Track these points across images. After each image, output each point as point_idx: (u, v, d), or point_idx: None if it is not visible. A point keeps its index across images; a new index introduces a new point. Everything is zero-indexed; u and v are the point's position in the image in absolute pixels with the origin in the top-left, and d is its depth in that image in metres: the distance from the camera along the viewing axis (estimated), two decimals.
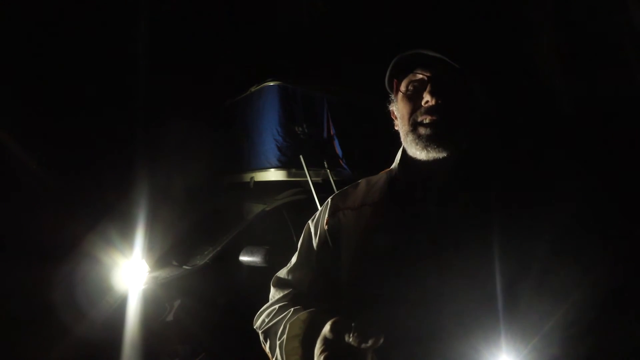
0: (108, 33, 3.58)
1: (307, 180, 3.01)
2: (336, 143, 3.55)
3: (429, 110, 0.71)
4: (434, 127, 0.71)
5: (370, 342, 0.52)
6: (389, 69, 0.79)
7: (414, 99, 0.75)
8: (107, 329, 1.93)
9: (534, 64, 4.64)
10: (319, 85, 3.60)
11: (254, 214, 2.83)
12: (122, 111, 3.60)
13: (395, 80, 0.80)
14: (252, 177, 3.31)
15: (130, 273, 2.21)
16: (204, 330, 2.28)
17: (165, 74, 3.80)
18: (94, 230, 2.44)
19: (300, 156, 3.09)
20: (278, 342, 0.71)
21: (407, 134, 0.75)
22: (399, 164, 0.82)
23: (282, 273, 0.90)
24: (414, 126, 0.73)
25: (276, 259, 2.31)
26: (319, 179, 3.29)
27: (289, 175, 3.17)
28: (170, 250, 2.56)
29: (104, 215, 2.69)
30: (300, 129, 3.32)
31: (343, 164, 3.54)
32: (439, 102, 0.70)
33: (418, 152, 0.74)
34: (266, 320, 0.80)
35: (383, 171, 0.89)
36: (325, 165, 3.32)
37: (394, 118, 0.85)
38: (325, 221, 0.86)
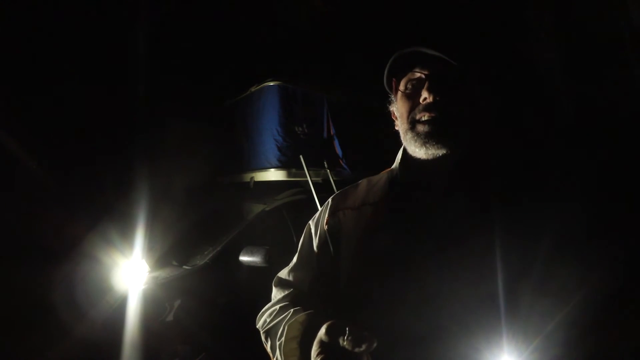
0: (109, 33, 3.58)
1: (307, 180, 3.01)
2: (336, 143, 3.55)
3: (427, 108, 0.71)
4: (432, 124, 0.71)
5: (363, 347, 0.53)
6: (387, 67, 0.79)
7: (412, 97, 0.75)
8: (107, 329, 1.93)
9: (534, 62, 4.64)
10: (319, 85, 3.60)
11: (254, 214, 2.83)
12: (122, 111, 3.60)
13: (394, 79, 0.80)
14: (252, 177, 3.31)
15: (130, 273, 2.21)
16: (204, 330, 2.28)
17: (166, 73, 3.80)
18: (94, 230, 2.44)
19: (300, 156, 3.08)
20: (277, 343, 0.72)
21: (406, 132, 0.75)
22: (400, 163, 0.82)
23: (283, 273, 0.91)
24: (413, 124, 0.73)
25: (276, 259, 2.31)
26: (319, 179, 3.29)
27: (289, 175, 3.17)
28: (170, 250, 2.56)
29: (104, 215, 2.69)
30: (300, 129, 3.32)
31: (343, 164, 3.54)
32: (437, 99, 0.70)
33: (417, 150, 0.74)
34: (267, 320, 0.81)
35: (384, 171, 0.89)
36: (325, 165, 3.32)
37: (394, 119, 0.85)
38: (325, 221, 0.86)
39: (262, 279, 1.64)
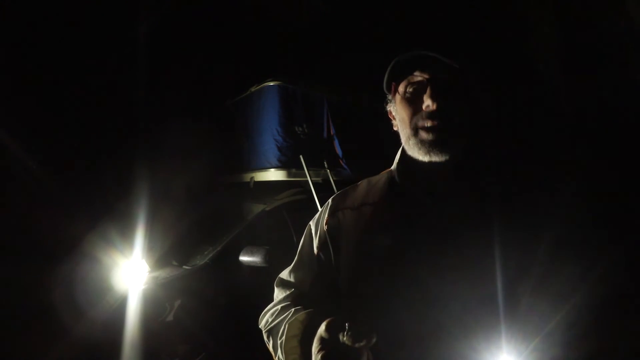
0: (109, 32, 3.58)
1: (307, 180, 3.01)
2: (336, 143, 3.55)
3: (431, 115, 0.70)
4: (437, 132, 0.70)
5: (363, 342, 0.54)
6: (387, 71, 0.78)
7: (413, 101, 0.74)
8: (107, 329, 1.93)
9: (534, 63, 4.64)
10: (319, 85, 3.60)
11: (254, 214, 2.83)
12: (122, 111, 3.60)
13: (393, 82, 0.80)
14: (252, 177, 3.31)
15: (130, 273, 2.21)
16: (204, 330, 2.28)
17: (166, 73, 3.80)
18: (94, 230, 2.44)
19: (300, 156, 3.09)
20: (279, 342, 0.74)
21: (409, 138, 0.74)
22: (399, 164, 0.82)
23: (285, 274, 0.91)
24: (416, 130, 0.73)
25: (276, 259, 2.32)
26: (319, 179, 3.29)
27: (289, 175, 3.17)
28: (170, 250, 2.56)
29: (104, 215, 2.69)
30: (300, 129, 3.32)
31: (343, 164, 3.54)
32: (440, 106, 0.70)
33: (421, 157, 0.73)
34: (269, 320, 0.82)
35: (384, 171, 0.89)
36: (325, 165, 3.32)
37: (391, 118, 0.85)
38: (325, 221, 0.86)
39: (262, 279, 1.64)
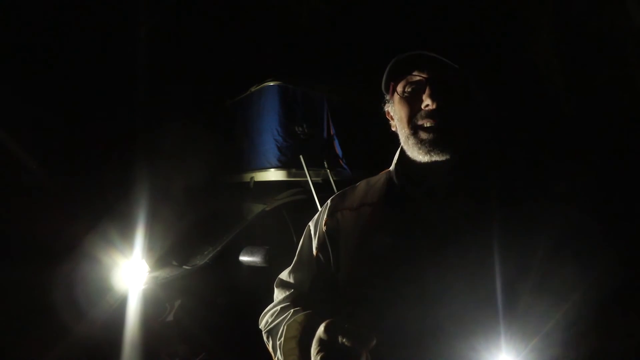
0: (108, 33, 3.58)
1: (307, 180, 3.01)
2: (336, 143, 3.55)
3: (430, 114, 0.70)
4: (436, 132, 0.70)
5: (362, 344, 0.54)
6: (386, 71, 0.78)
7: (412, 101, 0.74)
8: (107, 329, 1.93)
9: (533, 64, 4.64)
10: (319, 85, 3.60)
11: (254, 214, 2.83)
12: (122, 111, 3.60)
13: (391, 82, 0.79)
14: (252, 177, 3.31)
15: (130, 273, 2.21)
16: (204, 330, 2.28)
17: (166, 74, 3.81)
18: (94, 230, 2.44)
19: (300, 156, 3.08)
20: (278, 343, 0.73)
21: (408, 138, 0.74)
22: (397, 164, 0.82)
23: (284, 274, 0.91)
24: (415, 130, 0.73)
25: (276, 259, 2.32)
26: (319, 179, 3.29)
27: (289, 175, 3.16)
28: (170, 250, 2.56)
29: (104, 215, 2.69)
30: (300, 129, 3.32)
31: (343, 164, 3.54)
32: (439, 105, 0.69)
33: (420, 157, 0.73)
34: (269, 321, 0.82)
35: (382, 172, 0.89)
36: (325, 165, 3.32)
37: (389, 119, 0.84)
38: (324, 222, 0.86)
39: (262, 279, 1.64)
